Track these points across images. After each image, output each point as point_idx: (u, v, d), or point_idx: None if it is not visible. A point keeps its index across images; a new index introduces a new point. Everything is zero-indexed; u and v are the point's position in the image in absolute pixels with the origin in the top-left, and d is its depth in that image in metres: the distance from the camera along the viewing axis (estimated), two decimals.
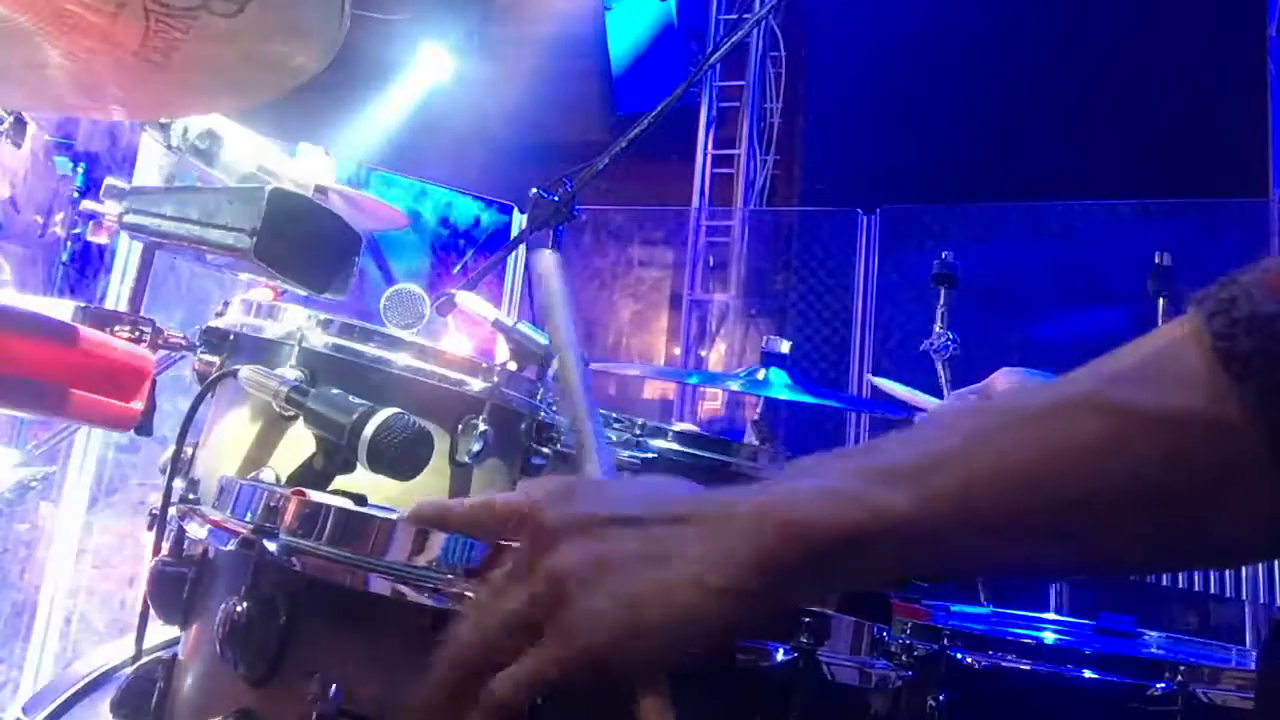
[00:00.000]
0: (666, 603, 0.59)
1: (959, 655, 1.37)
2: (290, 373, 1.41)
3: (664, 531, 0.61)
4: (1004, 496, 0.56)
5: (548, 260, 0.95)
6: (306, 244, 1.59)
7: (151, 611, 1.05)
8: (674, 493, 0.66)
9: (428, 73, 5.93)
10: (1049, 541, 0.58)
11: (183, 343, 1.63)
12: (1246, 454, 0.52)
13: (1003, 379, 1.76)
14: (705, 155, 6.32)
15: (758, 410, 2.53)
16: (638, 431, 1.91)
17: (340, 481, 1.23)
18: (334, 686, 0.82)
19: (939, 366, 3.12)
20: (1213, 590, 2.69)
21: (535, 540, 0.64)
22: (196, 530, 0.97)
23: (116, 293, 3.70)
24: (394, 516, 0.80)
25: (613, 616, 0.59)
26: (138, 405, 1.51)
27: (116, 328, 1.56)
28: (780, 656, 0.82)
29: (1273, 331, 0.51)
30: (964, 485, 0.57)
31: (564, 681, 0.60)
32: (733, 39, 2.42)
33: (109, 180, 1.64)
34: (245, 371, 1.38)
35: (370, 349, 1.47)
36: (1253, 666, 1.53)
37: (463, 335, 1.80)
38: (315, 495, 0.94)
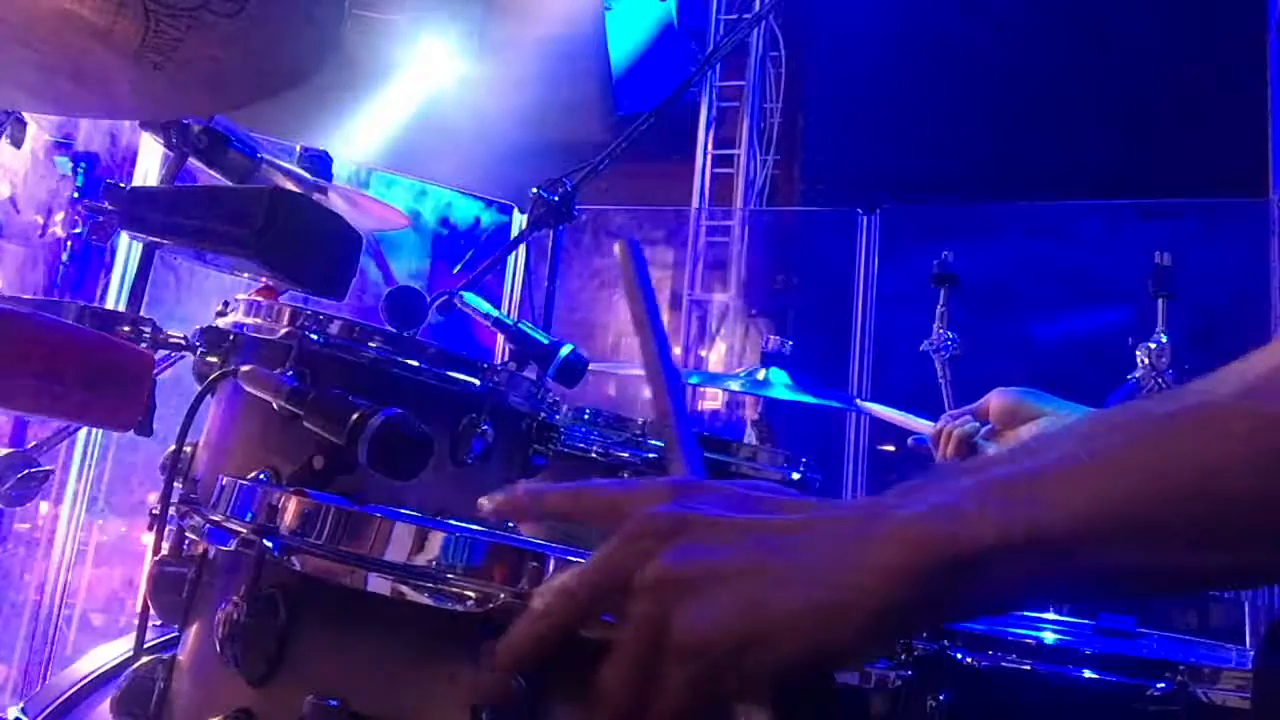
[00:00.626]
0: (788, 615, 0.56)
1: (959, 655, 1.37)
2: (290, 373, 1.41)
3: (782, 541, 0.58)
4: (1155, 510, 0.55)
5: (622, 249, 0.91)
6: (306, 244, 1.59)
7: (151, 611, 1.05)
8: (785, 500, 0.62)
9: (428, 73, 5.93)
10: (1194, 554, 0.56)
11: (183, 343, 1.63)
12: None
13: (998, 398, 1.75)
14: (705, 155, 6.31)
15: (758, 410, 2.53)
16: (638, 432, 1.91)
17: (340, 482, 1.24)
18: (334, 686, 0.82)
19: (939, 366, 3.12)
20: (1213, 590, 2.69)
21: (638, 536, 0.60)
22: (196, 530, 0.97)
23: (116, 293, 3.70)
24: (482, 502, 0.75)
25: (732, 625, 0.56)
26: (138, 405, 1.51)
27: (116, 328, 1.56)
28: None
29: None
30: (1107, 500, 0.55)
31: (699, 701, 0.57)
32: (733, 39, 2.42)
33: (109, 180, 1.63)
34: (245, 371, 1.38)
35: (370, 349, 1.47)
36: (1250, 666, 1.53)
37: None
38: (315, 495, 0.94)
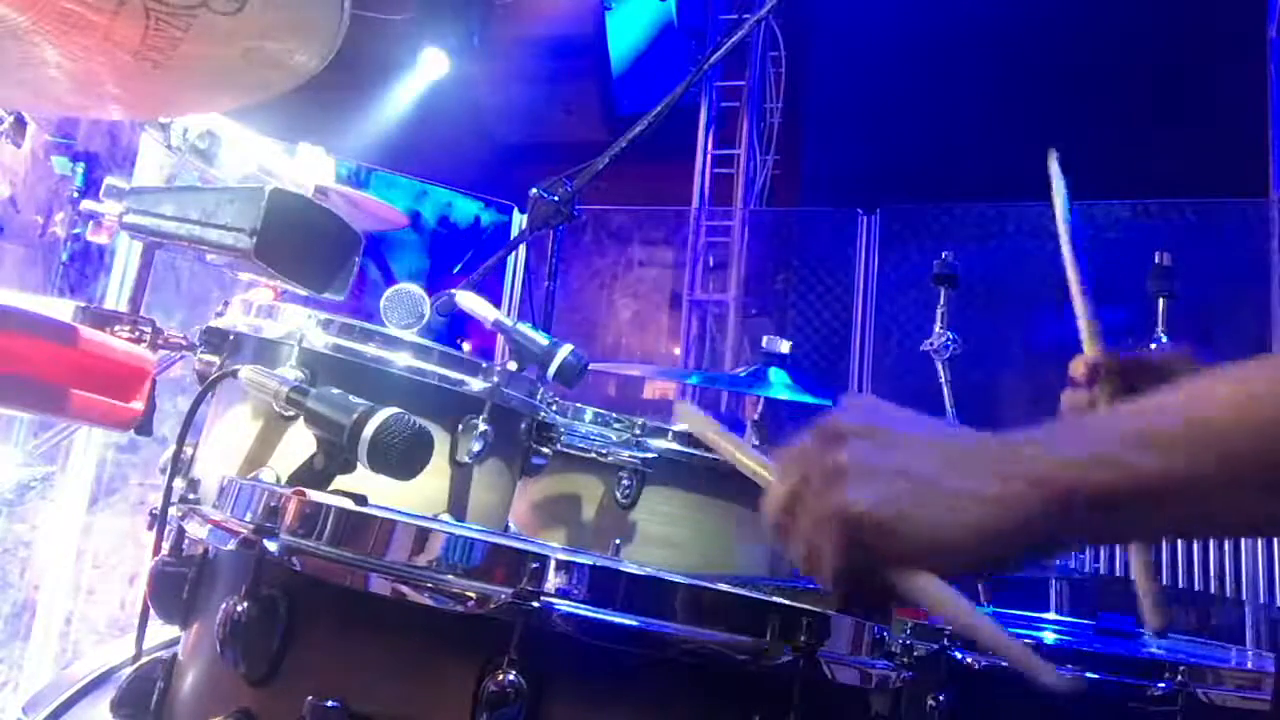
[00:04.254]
0: (922, 512, 0.68)
1: (959, 655, 1.37)
2: (290, 373, 1.41)
3: (936, 464, 0.70)
4: (1261, 454, 0.64)
5: (684, 413, 0.97)
6: (306, 244, 1.59)
7: (151, 611, 1.05)
8: (955, 436, 0.73)
9: (428, 73, 5.93)
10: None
11: (183, 343, 1.63)
12: None
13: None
14: (705, 155, 6.31)
15: (758, 410, 2.53)
16: (638, 431, 1.91)
17: (340, 481, 1.23)
18: (334, 686, 0.82)
19: (939, 366, 3.12)
20: (1213, 590, 2.69)
21: (825, 434, 0.73)
22: (196, 530, 0.97)
23: (116, 293, 3.70)
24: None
25: (887, 511, 0.68)
26: (138, 405, 1.51)
27: (116, 328, 1.56)
28: (780, 656, 0.82)
29: None
30: (1224, 449, 0.65)
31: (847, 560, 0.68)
32: (733, 39, 2.41)
33: (109, 180, 1.63)
34: (245, 371, 1.38)
35: (370, 349, 1.47)
36: (1250, 666, 1.53)
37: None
38: (315, 495, 0.94)
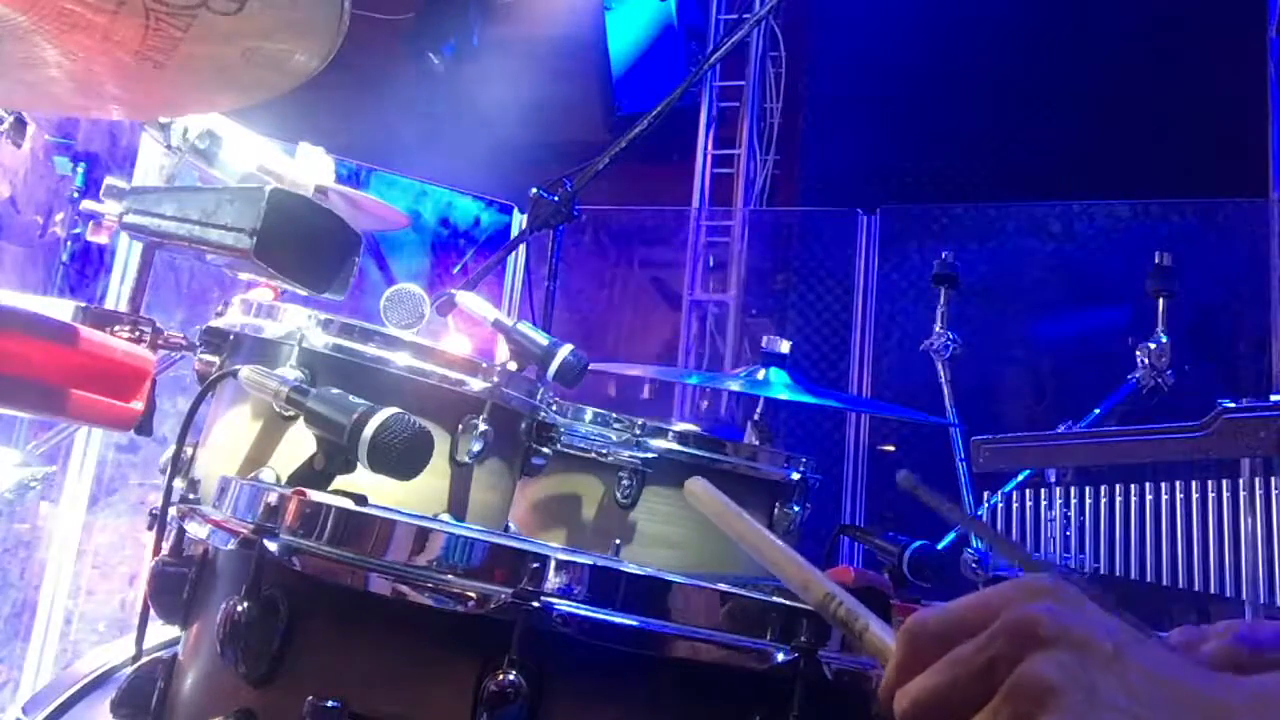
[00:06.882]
0: None
1: None
2: (290, 373, 1.41)
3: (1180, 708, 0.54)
4: None
5: (694, 490, 0.81)
6: (306, 244, 1.59)
7: (151, 611, 1.05)
8: (1180, 673, 0.57)
9: (427, 72, 5.93)
10: None
11: (183, 343, 1.63)
12: None
13: None
14: (705, 155, 6.31)
15: (758, 410, 2.53)
16: (638, 431, 1.91)
17: (340, 481, 1.24)
18: (334, 686, 0.82)
19: (939, 366, 3.12)
20: (1213, 590, 2.69)
21: (1015, 631, 0.55)
22: (197, 530, 0.97)
23: (116, 293, 3.70)
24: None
25: None
26: (138, 405, 1.51)
27: (116, 328, 1.56)
28: (780, 657, 0.82)
29: None
30: None
31: None
32: (733, 39, 2.42)
33: (109, 180, 1.64)
34: (245, 371, 1.38)
35: (370, 349, 1.47)
36: None
37: (463, 335, 1.80)
38: (316, 495, 0.94)
